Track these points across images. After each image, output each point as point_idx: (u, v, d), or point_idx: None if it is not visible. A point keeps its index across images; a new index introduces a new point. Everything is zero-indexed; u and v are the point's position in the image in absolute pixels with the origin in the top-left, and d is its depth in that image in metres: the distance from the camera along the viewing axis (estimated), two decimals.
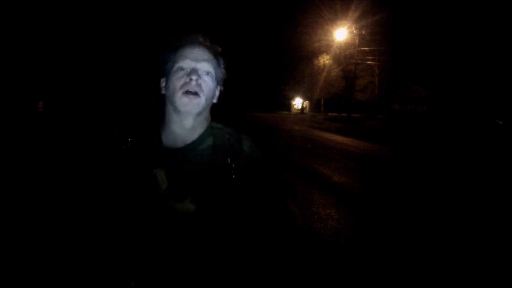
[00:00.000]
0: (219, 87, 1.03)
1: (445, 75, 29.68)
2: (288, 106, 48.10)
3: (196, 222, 0.89)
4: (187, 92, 0.91)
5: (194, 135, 0.96)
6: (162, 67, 0.98)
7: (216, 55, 0.99)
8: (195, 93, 0.91)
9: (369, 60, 28.80)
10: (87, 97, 18.74)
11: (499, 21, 27.02)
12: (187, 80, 0.91)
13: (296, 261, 1.03)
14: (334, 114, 37.83)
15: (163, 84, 0.99)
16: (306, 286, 2.59)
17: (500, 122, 22.36)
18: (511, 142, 14.70)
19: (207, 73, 0.94)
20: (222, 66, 1.02)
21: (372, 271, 2.92)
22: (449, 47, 29.72)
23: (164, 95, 0.97)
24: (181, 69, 0.93)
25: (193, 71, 0.92)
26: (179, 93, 0.91)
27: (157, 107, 1.01)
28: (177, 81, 0.92)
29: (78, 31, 19.92)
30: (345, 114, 28.43)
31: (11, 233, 3.07)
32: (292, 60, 39.43)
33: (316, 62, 38.29)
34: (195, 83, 0.91)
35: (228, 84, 1.09)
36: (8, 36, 15.55)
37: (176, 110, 0.92)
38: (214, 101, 1.02)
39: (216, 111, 1.08)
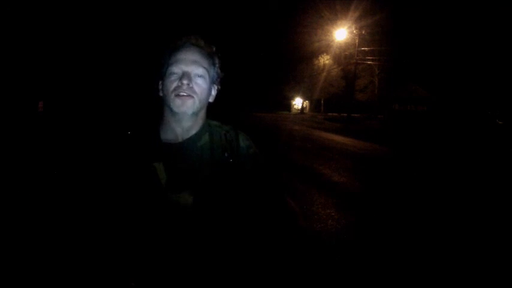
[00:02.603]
0: (215, 87, 1.05)
1: (445, 75, 29.69)
2: (288, 106, 48.05)
3: (195, 215, 0.93)
4: (179, 95, 0.94)
5: (191, 133, 0.99)
6: (159, 70, 1.02)
7: (210, 55, 1.01)
8: (188, 95, 0.94)
9: (369, 60, 28.79)
10: (86, 97, 18.75)
11: (499, 21, 27.03)
12: (179, 83, 0.94)
13: (296, 260, 1.03)
14: (334, 114, 37.82)
15: (160, 87, 1.02)
16: (305, 286, 2.59)
17: (500, 122, 22.37)
18: (511, 142, 14.70)
19: (199, 76, 0.96)
20: (217, 65, 1.04)
21: (372, 271, 2.92)
22: (449, 47, 29.74)
23: (161, 97, 1.01)
24: (174, 73, 0.96)
25: (185, 74, 0.95)
26: (172, 96, 0.95)
27: (157, 107, 1.05)
28: (170, 85, 0.95)
29: (79, 31, 19.93)
30: (345, 114, 28.39)
31: (11, 233, 3.07)
32: (292, 60, 39.47)
33: (316, 62, 38.31)
34: (186, 87, 0.94)
35: (228, 84, 1.10)
36: (8, 36, 15.56)
37: (172, 111, 0.96)
38: (211, 100, 1.04)
39: (216, 111, 1.09)
